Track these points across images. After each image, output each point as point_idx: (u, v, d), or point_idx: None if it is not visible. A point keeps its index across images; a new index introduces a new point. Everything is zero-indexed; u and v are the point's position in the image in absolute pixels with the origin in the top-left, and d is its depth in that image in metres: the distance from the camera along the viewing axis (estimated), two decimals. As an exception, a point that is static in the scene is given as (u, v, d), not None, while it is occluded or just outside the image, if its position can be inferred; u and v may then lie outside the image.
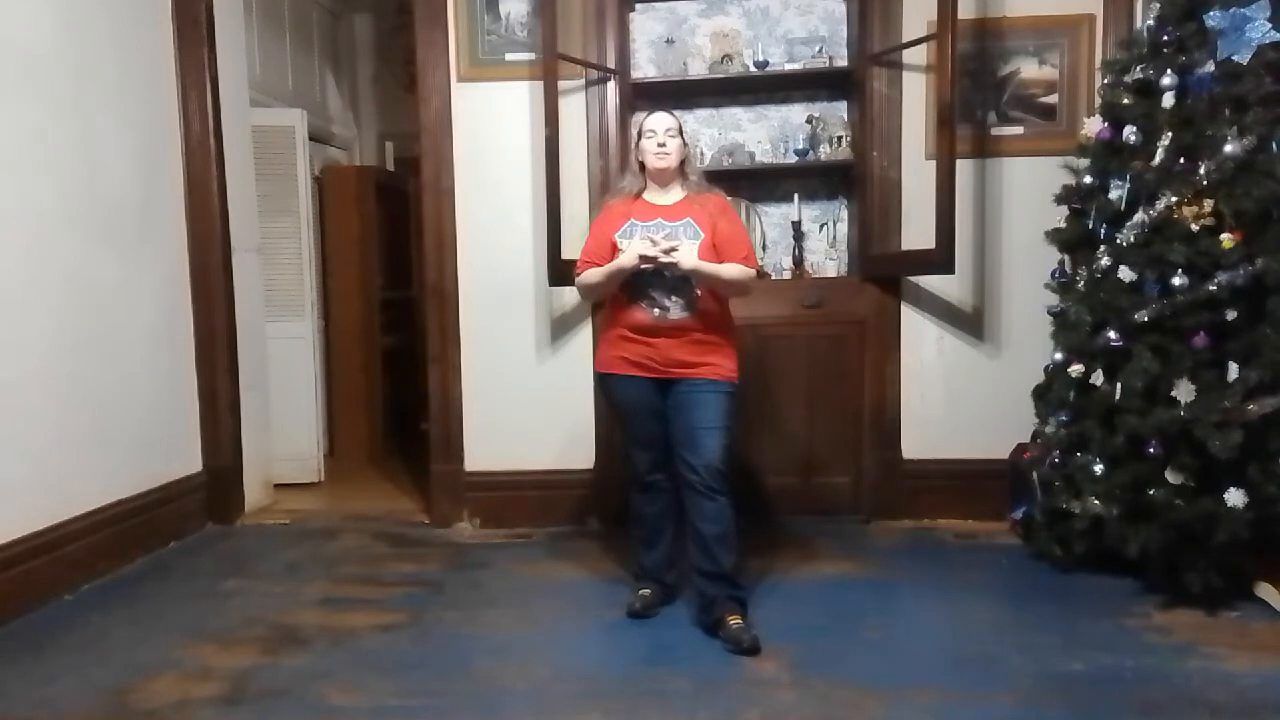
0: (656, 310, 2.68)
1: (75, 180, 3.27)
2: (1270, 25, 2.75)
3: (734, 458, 3.60)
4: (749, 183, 4.09)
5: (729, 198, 3.94)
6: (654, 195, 2.81)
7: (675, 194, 2.80)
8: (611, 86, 3.79)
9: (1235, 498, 2.71)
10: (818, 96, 4.07)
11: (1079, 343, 3.09)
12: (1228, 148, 2.77)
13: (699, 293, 2.69)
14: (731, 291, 2.76)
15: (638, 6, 4.05)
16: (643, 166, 2.80)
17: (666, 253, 2.59)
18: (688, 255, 2.61)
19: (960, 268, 3.57)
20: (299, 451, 4.74)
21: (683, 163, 2.80)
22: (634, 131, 2.91)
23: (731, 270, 2.69)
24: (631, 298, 2.71)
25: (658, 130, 2.75)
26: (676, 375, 2.70)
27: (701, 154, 4.03)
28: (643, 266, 2.63)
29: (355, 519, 4.11)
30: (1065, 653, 2.54)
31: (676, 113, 2.86)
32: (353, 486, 4.81)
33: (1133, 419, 2.87)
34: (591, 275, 2.78)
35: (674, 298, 2.67)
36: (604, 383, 2.87)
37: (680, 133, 2.78)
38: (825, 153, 3.95)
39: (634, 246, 2.63)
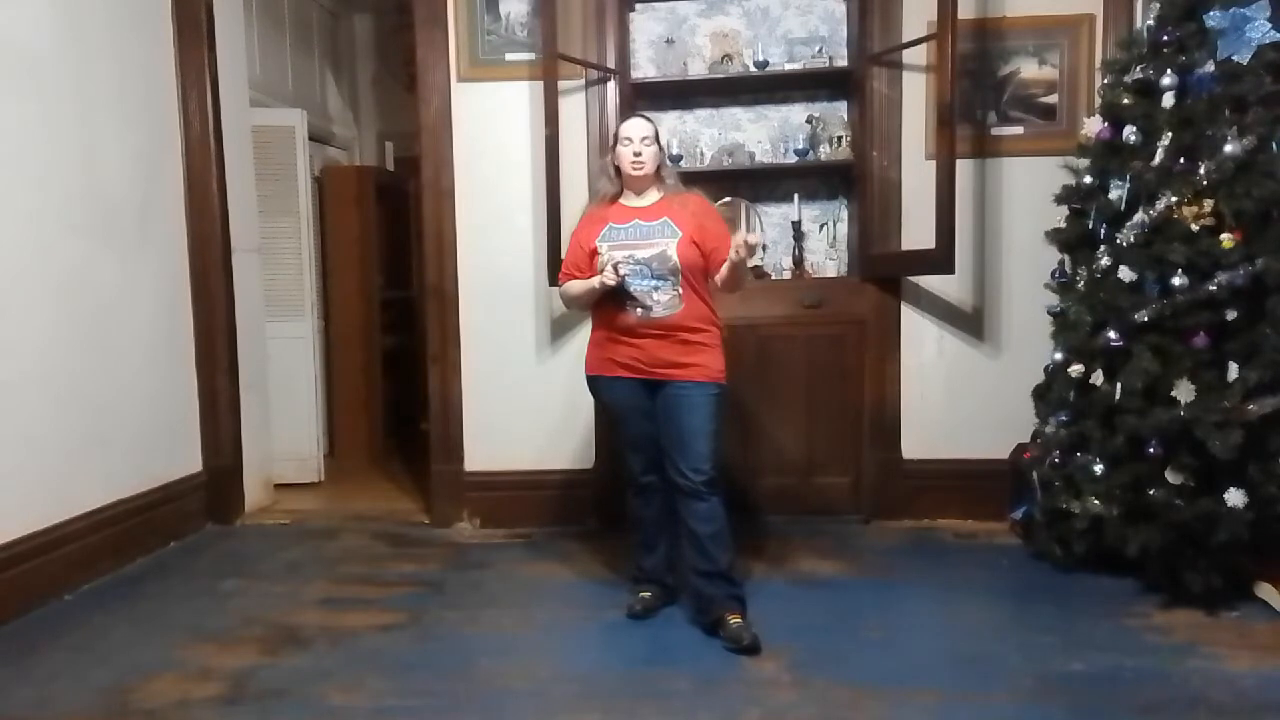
0: (640, 310, 2.68)
1: (75, 180, 3.27)
2: (1270, 25, 2.75)
3: (734, 458, 3.62)
4: (749, 183, 4.09)
5: (728, 198, 4.01)
6: (630, 198, 2.81)
7: (651, 196, 2.80)
8: (611, 86, 3.79)
9: (1235, 498, 2.71)
10: (818, 96, 4.07)
11: (1079, 343, 3.09)
12: (1228, 148, 2.76)
13: (682, 291, 2.68)
14: (735, 288, 2.76)
15: (638, 6, 4.05)
16: (618, 171, 2.80)
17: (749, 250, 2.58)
18: (756, 238, 2.61)
19: (960, 268, 3.57)
20: (299, 451, 4.74)
21: (658, 168, 2.79)
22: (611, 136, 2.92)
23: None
24: (616, 299, 2.69)
25: (633, 138, 2.74)
26: (664, 376, 2.70)
27: (701, 154, 4.03)
28: (609, 284, 2.62)
29: (355, 519, 4.11)
30: (1065, 653, 2.54)
31: (653, 116, 2.88)
32: (353, 486, 4.81)
33: (1133, 419, 2.87)
34: (571, 287, 2.81)
35: (657, 297, 2.67)
36: (593, 385, 2.87)
37: (656, 138, 2.78)
38: (825, 153, 3.95)
39: (604, 273, 2.63)
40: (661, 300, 2.67)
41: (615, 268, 2.61)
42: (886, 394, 3.82)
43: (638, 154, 2.73)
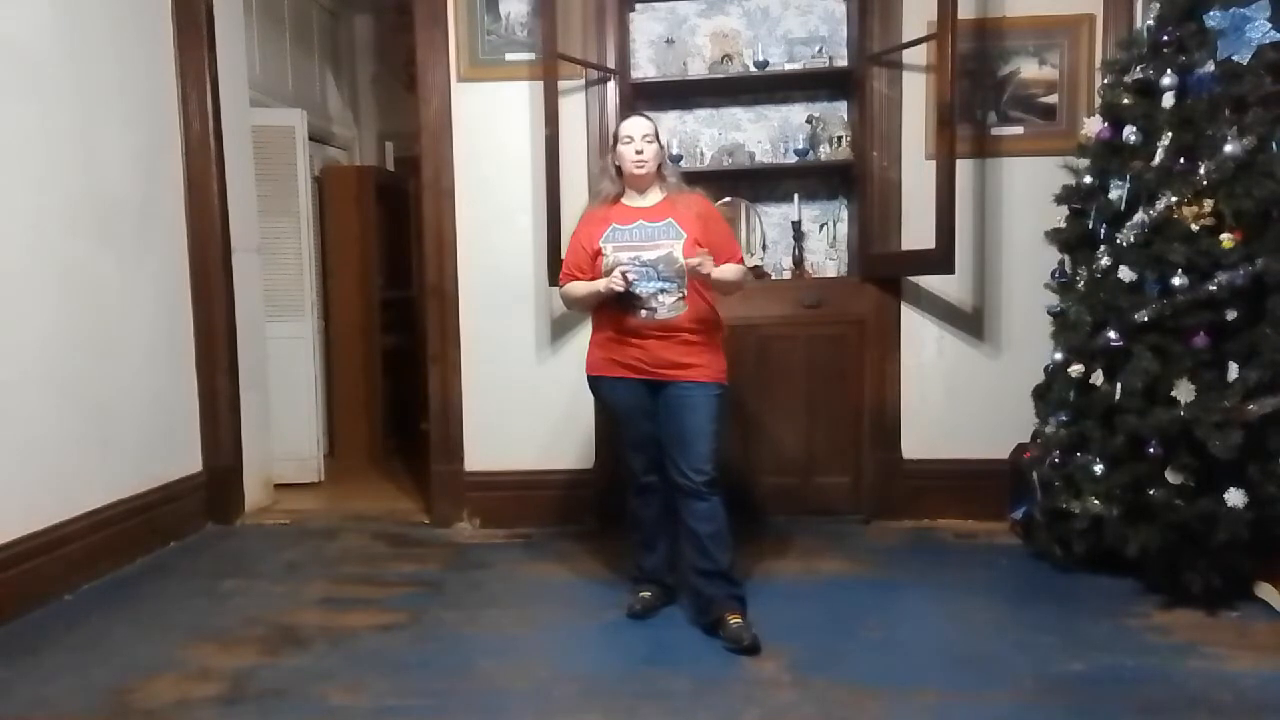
0: (644, 311, 2.67)
1: (75, 180, 3.27)
2: (1270, 25, 2.75)
3: (734, 458, 3.62)
4: (749, 183, 4.09)
5: (728, 198, 4.01)
6: (632, 199, 2.80)
7: (654, 196, 2.80)
8: (611, 86, 3.79)
9: (1235, 498, 2.71)
10: (818, 96, 4.07)
11: (1079, 343, 3.09)
12: (1228, 148, 2.76)
13: (685, 293, 2.69)
14: (733, 290, 2.77)
15: (638, 6, 4.05)
16: (619, 171, 2.79)
17: (698, 269, 2.58)
18: (709, 262, 2.58)
19: (960, 268, 3.57)
20: (299, 451, 4.74)
21: (659, 166, 2.79)
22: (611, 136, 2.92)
23: (733, 271, 2.72)
24: (620, 300, 2.69)
25: (635, 136, 2.74)
26: (666, 377, 2.70)
27: (701, 154, 4.03)
28: (618, 290, 2.62)
29: (355, 519, 4.11)
30: (1065, 653, 2.54)
31: (653, 116, 2.88)
32: (353, 486, 4.81)
33: (1133, 419, 2.87)
34: (574, 289, 2.80)
35: (661, 298, 2.67)
36: (595, 385, 2.87)
37: (656, 136, 2.78)
38: (825, 153, 3.95)
39: (613, 279, 2.63)
40: (666, 302, 2.67)
41: (624, 275, 2.61)
42: (886, 394, 3.82)
43: (640, 152, 2.73)
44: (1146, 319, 2.88)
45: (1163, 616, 2.80)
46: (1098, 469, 2.99)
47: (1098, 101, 3.35)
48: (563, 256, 3.46)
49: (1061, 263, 3.33)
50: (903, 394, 3.83)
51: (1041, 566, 3.25)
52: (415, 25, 3.84)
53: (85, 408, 3.30)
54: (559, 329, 3.87)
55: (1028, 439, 3.44)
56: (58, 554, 3.11)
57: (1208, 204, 2.80)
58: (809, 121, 4.00)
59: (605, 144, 3.71)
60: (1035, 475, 3.27)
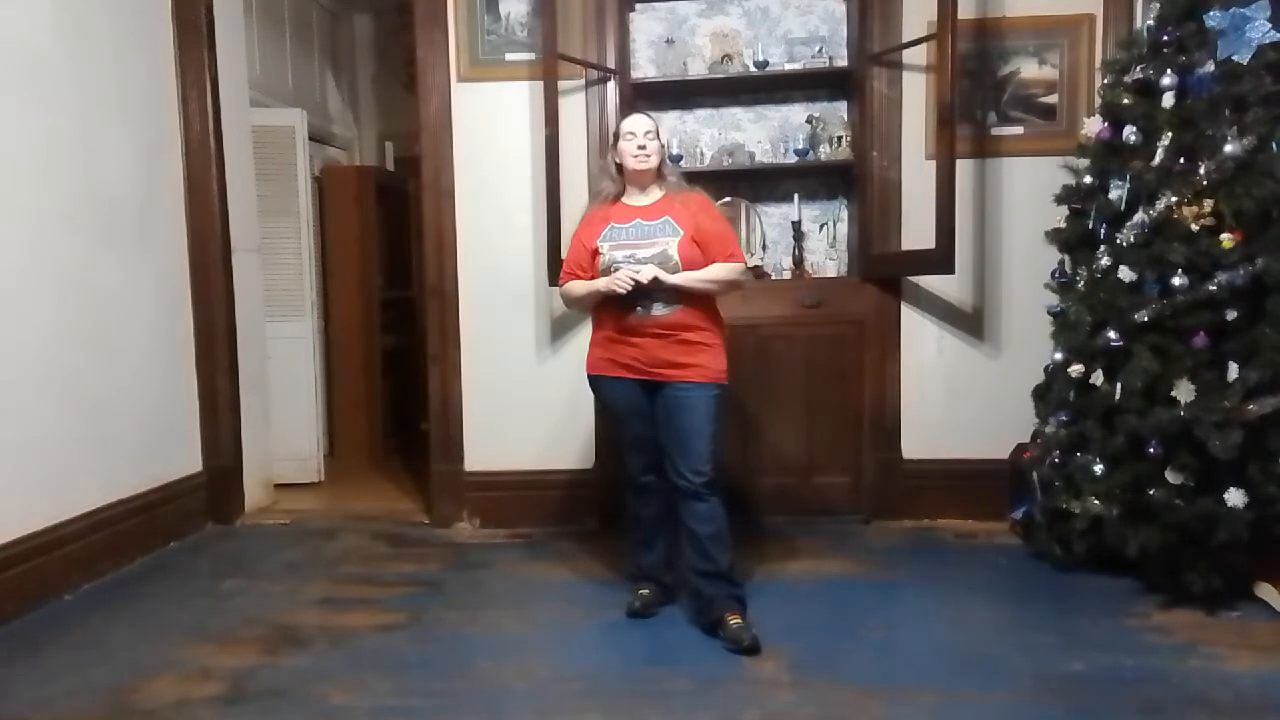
0: (639, 308, 2.68)
1: (75, 180, 3.27)
2: (1270, 25, 2.75)
3: (734, 458, 3.62)
4: (749, 183, 4.09)
5: (728, 198, 4.01)
6: (632, 197, 2.80)
7: (653, 194, 2.80)
8: (611, 86, 3.79)
9: (1235, 498, 2.71)
10: (818, 96, 4.07)
11: (1079, 343, 3.09)
12: (1228, 148, 2.76)
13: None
14: (721, 290, 2.76)
15: (638, 6, 4.05)
16: (619, 169, 2.80)
17: (634, 277, 2.61)
18: (648, 271, 2.61)
19: (960, 268, 3.57)
20: (299, 451, 4.74)
21: (660, 163, 2.79)
22: (611, 135, 2.93)
23: (716, 271, 2.70)
24: (616, 298, 2.68)
25: (637, 133, 2.74)
26: (663, 377, 2.69)
27: (701, 154, 4.03)
28: (622, 292, 2.63)
29: (355, 519, 4.11)
30: (1065, 653, 2.54)
31: (654, 114, 2.87)
32: (353, 486, 4.81)
33: (1133, 419, 2.87)
34: (574, 289, 2.81)
35: (656, 294, 2.66)
36: (594, 385, 2.87)
37: (658, 134, 2.78)
38: (825, 153, 3.95)
39: (614, 279, 2.64)
40: (663, 298, 2.67)
41: (631, 277, 2.61)
42: (886, 394, 3.82)
43: (642, 147, 2.73)
44: (1146, 319, 2.88)
45: (1163, 616, 2.81)
46: (1098, 469, 2.99)
47: (1098, 101, 3.35)
48: (563, 256, 3.47)
49: (1061, 263, 3.33)
50: (903, 394, 3.83)
51: (1041, 566, 3.25)
52: (415, 25, 3.84)
53: (85, 408, 3.30)
54: (559, 329, 3.87)
55: (1028, 439, 3.44)
56: (58, 554, 3.11)
57: (1208, 204, 2.80)
58: (809, 121, 4.00)
59: (605, 144, 3.72)
60: (1035, 475, 3.27)
